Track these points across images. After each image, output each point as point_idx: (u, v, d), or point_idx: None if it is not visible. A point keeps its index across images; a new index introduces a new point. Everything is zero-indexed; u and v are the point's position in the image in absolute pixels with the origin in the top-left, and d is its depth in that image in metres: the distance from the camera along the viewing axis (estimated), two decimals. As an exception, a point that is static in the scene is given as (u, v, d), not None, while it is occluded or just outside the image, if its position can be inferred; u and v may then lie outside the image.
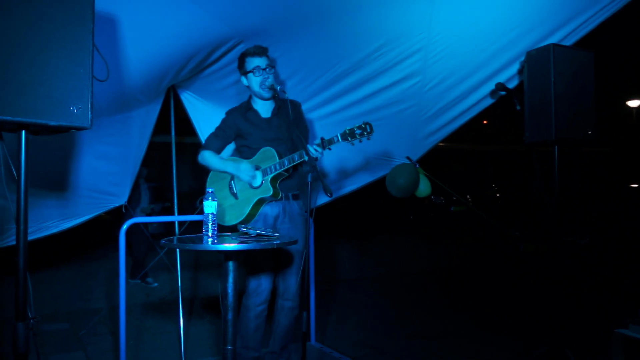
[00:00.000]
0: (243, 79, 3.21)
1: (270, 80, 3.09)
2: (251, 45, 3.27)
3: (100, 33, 2.24)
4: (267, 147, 3.09)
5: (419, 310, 5.51)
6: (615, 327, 3.34)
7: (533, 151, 3.49)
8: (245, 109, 3.23)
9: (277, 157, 3.04)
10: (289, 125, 3.13)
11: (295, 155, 2.95)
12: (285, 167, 3.01)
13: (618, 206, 13.78)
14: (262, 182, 3.06)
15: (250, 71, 3.12)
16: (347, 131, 2.87)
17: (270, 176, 3.04)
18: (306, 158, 2.85)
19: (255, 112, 3.23)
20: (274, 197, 3.08)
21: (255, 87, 3.14)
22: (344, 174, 4.42)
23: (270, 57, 3.18)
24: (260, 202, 3.09)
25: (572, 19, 3.57)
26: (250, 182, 3.07)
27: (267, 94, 3.13)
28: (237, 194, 3.12)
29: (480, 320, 5.00)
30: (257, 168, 3.09)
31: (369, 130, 2.86)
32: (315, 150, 2.89)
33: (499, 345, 4.22)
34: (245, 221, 3.07)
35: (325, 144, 2.91)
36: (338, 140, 2.89)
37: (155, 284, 6.67)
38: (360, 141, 2.87)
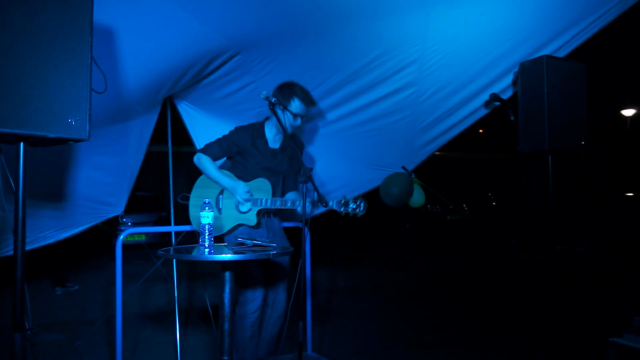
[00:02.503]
0: (278, 108, 3.09)
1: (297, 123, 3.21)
2: (247, 56, 3.31)
3: (98, 45, 2.26)
4: (264, 179, 3.17)
5: (418, 318, 5.50)
6: (610, 335, 3.36)
7: (528, 160, 3.52)
8: (258, 134, 3.25)
9: (271, 192, 3.13)
10: (290, 163, 3.32)
11: (288, 202, 3.08)
12: (276, 207, 3.13)
13: (614, 214, 13.82)
14: (249, 210, 3.15)
15: (295, 114, 3.16)
16: (343, 201, 3.05)
17: (258, 208, 3.12)
18: (299, 209, 3.03)
19: (265, 141, 3.28)
20: (254, 227, 3.18)
21: (287, 123, 3.16)
22: (338, 188, 4.44)
23: (313, 109, 3.33)
24: (238, 226, 3.18)
25: (565, 30, 3.62)
26: (239, 204, 3.16)
27: (290, 131, 3.21)
28: (221, 209, 3.20)
29: (478, 328, 5.01)
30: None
31: (362, 208, 3.04)
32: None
33: (497, 353, 4.22)
34: (220, 237, 3.18)
35: (322, 200, 3.04)
36: (331, 206, 3.07)
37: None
38: (350, 216, 3.04)
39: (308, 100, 3.17)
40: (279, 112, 3.10)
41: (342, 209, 3.05)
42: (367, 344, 4.52)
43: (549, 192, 3.37)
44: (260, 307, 3.19)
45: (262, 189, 3.15)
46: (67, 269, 7.12)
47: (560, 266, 3.43)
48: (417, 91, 3.89)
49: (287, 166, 3.34)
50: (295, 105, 3.14)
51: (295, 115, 3.15)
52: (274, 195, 3.18)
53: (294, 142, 3.20)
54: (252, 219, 3.13)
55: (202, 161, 3.25)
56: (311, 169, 2.91)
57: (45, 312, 5.67)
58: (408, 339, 4.68)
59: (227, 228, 3.16)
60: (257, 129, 3.27)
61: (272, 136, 3.30)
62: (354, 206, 3.04)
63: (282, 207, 3.11)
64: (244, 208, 3.15)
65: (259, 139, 3.26)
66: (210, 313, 3.91)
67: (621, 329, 3.30)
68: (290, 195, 3.31)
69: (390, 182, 4.22)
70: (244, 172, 3.23)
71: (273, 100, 3.01)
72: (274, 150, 3.29)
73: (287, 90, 3.15)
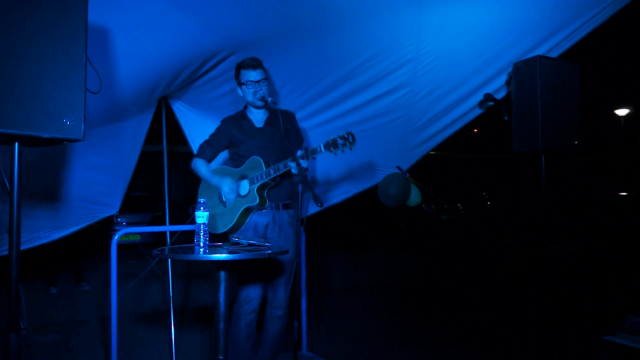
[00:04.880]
0: (238, 89, 3.25)
1: (261, 93, 3.13)
2: (242, 56, 3.30)
3: (93, 45, 2.26)
4: (255, 157, 3.13)
5: (412, 319, 5.52)
6: (603, 334, 3.38)
7: (521, 160, 3.54)
8: (239, 118, 3.29)
9: (263, 166, 3.07)
10: (281, 136, 3.16)
11: (280, 165, 2.98)
12: (271, 177, 3.03)
13: (607, 214, 13.90)
14: (249, 190, 3.10)
15: (243, 83, 3.17)
16: (330, 141, 2.87)
17: (256, 185, 3.07)
18: (292, 168, 2.90)
19: (250, 121, 3.28)
20: (260, 206, 3.11)
21: (249, 97, 3.19)
22: (334, 184, 4.44)
23: (265, 68, 3.22)
24: (247, 211, 3.13)
25: (558, 31, 3.64)
26: (235, 194, 3.14)
27: (259, 103, 3.18)
28: (225, 202, 3.18)
29: (472, 328, 5.03)
30: (244, 177, 3.14)
31: (351, 140, 2.85)
32: (300, 161, 2.91)
33: (491, 352, 4.25)
34: (234, 229, 3.11)
35: (308, 153, 2.93)
36: (321, 150, 2.89)
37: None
38: (343, 151, 2.86)
39: (247, 64, 3.16)
40: (239, 91, 3.23)
41: (331, 150, 2.87)
42: (362, 344, 4.54)
43: (542, 191, 3.39)
44: (256, 310, 3.16)
45: (254, 166, 3.12)
46: (81, 269, 7.30)
47: (553, 265, 3.45)
48: (411, 91, 3.90)
49: (279, 140, 3.24)
50: (246, 73, 3.15)
51: (247, 83, 3.14)
52: None
53: (281, 114, 3.10)
54: (254, 197, 3.07)
55: (197, 166, 3.30)
56: (306, 169, 2.92)
57: (40, 312, 5.65)
58: (403, 339, 4.69)
59: (236, 217, 3.11)
60: (239, 114, 3.33)
61: (255, 117, 3.30)
62: (342, 142, 2.85)
63: (278, 174, 3.01)
64: (244, 191, 3.12)
65: (243, 121, 3.28)
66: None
67: (614, 328, 3.32)
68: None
69: (387, 183, 4.24)
70: (240, 160, 3.22)
71: (238, 89, 3.23)
72: (260, 129, 3.28)
73: (235, 70, 3.24)
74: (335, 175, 4.37)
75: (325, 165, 3.95)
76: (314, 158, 2.94)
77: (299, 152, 2.93)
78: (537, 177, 3.43)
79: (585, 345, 4.10)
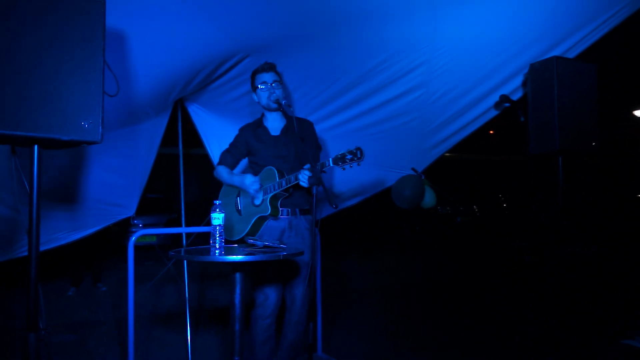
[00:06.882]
0: (254, 95, 3.30)
1: (276, 95, 3.15)
2: (257, 58, 3.32)
3: (110, 49, 2.29)
4: (269, 167, 3.17)
5: (426, 321, 5.49)
6: (621, 337, 3.34)
7: (531, 162, 3.51)
8: (256, 126, 3.32)
9: (276, 176, 3.10)
10: (297, 144, 3.19)
11: (292, 177, 3.01)
12: (283, 188, 3.06)
13: (625, 216, 13.71)
14: (262, 200, 3.14)
15: (257, 86, 3.22)
16: (339, 156, 2.88)
17: (269, 195, 3.11)
18: (300, 181, 2.93)
19: (265, 129, 3.30)
20: (273, 216, 3.14)
21: (263, 100, 3.22)
22: (348, 190, 4.45)
23: (278, 72, 3.25)
24: (260, 220, 3.16)
25: (575, 31, 3.60)
26: (253, 198, 3.16)
27: (273, 106, 3.19)
28: (241, 210, 3.24)
29: (486, 332, 4.99)
30: (260, 186, 3.18)
31: (359, 156, 2.84)
32: (306, 174, 2.90)
33: (507, 357, 4.21)
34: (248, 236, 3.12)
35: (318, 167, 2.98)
36: (329, 164, 2.91)
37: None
38: (351, 166, 2.86)
39: (261, 68, 3.23)
40: (255, 97, 3.28)
41: (339, 164, 2.86)
42: (375, 345, 4.53)
43: (559, 193, 3.36)
44: (273, 315, 3.15)
45: (269, 177, 3.14)
46: (98, 270, 7.41)
47: (570, 269, 3.42)
48: (426, 93, 3.89)
49: (294, 147, 3.26)
50: (260, 76, 3.22)
51: (262, 84, 3.19)
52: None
53: (299, 123, 3.18)
54: (266, 207, 3.10)
55: (219, 171, 3.37)
56: (320, 171, 2.91)
57: (56, 312, 5.72)
58: (416, 341, 4.67)
59: (249, 226, 3.15)
60: (256, 122, 3.37)
61: (271, 124, 3.32)
62: (351, 157, 2.84)
63: (290, 185, 3.02)
64: (257, 201, 3.16)
65: (259, 128, 3.30)
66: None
67: (633, 332, 3.28)
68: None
69: (401, 185, 4.23)
70: (257, 169, 3.26)
71: (253, 95, 3.30)
72: (276, 137, 3.29)
73: (251, 78, 3.30)
74: (351, 178, 4.37)
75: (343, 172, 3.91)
76: (324, 171, 2.94)
77: (307, 166, 2.93)
78: (554, 178, 3.39)
79: (603, 348, 4.04)
